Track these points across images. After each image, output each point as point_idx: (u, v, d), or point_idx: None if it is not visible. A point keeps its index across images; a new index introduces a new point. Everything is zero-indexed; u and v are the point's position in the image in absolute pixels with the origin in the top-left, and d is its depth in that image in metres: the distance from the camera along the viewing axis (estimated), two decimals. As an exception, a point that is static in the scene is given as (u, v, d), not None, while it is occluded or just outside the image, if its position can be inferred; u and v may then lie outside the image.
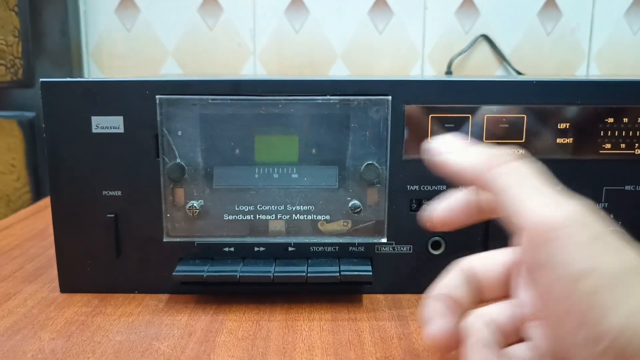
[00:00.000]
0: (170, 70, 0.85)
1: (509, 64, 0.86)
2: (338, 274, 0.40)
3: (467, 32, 0.85)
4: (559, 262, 0.22)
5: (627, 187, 0.42)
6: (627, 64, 0.87)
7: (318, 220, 0.42)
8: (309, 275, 0.40)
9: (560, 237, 0.22)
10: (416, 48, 0.86)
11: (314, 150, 0.41)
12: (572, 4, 0.84)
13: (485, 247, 0.42)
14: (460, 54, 0.85)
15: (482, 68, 0.86)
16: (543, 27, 0.85)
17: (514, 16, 0.85)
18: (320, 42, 0.85)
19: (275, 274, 0.40)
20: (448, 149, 0.28)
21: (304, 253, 0.42)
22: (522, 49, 0.86)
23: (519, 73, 0.86)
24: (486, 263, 0.30)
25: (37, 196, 0.82)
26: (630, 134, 0.41)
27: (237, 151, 0.41)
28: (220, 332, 0.37)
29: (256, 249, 0.42)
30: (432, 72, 0.86)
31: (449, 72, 0.84)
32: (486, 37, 0.85)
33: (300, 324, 0.38)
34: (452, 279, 0.29)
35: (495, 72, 0.87)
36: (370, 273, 0.40)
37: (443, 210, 0.29)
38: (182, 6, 0.84)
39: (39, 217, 0.64)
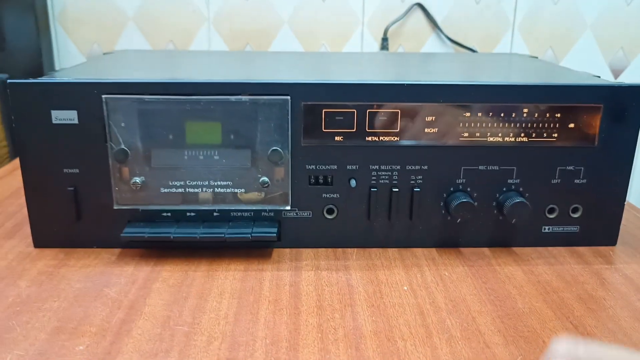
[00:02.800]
0: (131, 35, 0.93)
1: (441, 31, 0.95)
2: (249, 235, 0.51)
3: (403, 1, 0.94)
4: None
5: (480, 167, 0.53)
6: (548, 33, 0.96)
7: (237, 192, 0.53)
8: (227, 236, 0.51)
9: None
10: (356, 15, 0.94)
11: (232, 136, 0.51)
12: (497, -23, 0.92)
13: (368, 215, 0.53)
14: (395, 21, 0.93)
15: (416, 35, 0.95)
16: (472, -4, 0.94)
17: (447, -14, 0.93)
18: (268, 10, 0.93)
19: (200, 235, 0.51)
20: None
21: (226, 217, 0.54)
22: (453, 17, 0.95)
23: (450, 39, 0.95)
24: None
25: (14, 151, 0.92)
26: (483, 125, 0.52)
27: (170, 137, 0.51)
28: (157, 280, 0.49)
29: (188, 214, 0.53)
30: (370, 38, 0.95)
31: (384, 39, 0.93)
32: (420, 6, 0.94)
33: (219, 274, 0.50)
34: None
35: (428, 39, 0.96)
36: (275, 234, 0.51)
37: None
38: (140, -24, 0.91)
39: (16, 175, 0.74)
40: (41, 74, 0.89)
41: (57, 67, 0.95)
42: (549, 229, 0.55)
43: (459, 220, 0.53)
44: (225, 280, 0.49)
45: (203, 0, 0.93)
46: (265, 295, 0.47)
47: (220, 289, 0.47)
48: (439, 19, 0.95)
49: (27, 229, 0.56)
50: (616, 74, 0.99)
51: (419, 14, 0.95)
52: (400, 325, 0.43)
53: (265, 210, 0.54)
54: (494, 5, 0.95)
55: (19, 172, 0.75)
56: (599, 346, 0.28)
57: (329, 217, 0.54)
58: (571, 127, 0.52)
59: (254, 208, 0.53)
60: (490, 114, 0.51)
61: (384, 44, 0.94)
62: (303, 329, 0.42)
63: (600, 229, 0.55)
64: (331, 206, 0.54)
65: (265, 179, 0.52)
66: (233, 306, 0.45)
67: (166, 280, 0.49)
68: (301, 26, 0.94)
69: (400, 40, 0.96)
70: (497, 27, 0.96)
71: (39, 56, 0.90)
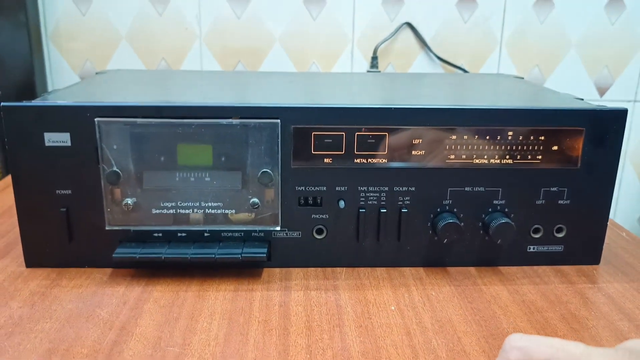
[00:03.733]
0: (124, 52, 0.94)
1: (430, 50, 0.97)
2: (239, 256, 0.52)
3: (393, 20, 0.95)
4: None
5: (467, 188, 0.54)
6: (535, 51, 0.98)
7: (228, 213, 0.54)
8: (217, 256, 0.52)
9: None
10: (346, 34, 0.96)
11: (223, 159, 0.52)
12: (485, -3, 0.94)
13: (357, 235, 0.54)
14: (384, 40, 0.95)
15: (406, 53, 0.97)
16: (460, 15, 0.96)
17: (435, 5, 0.95)
18: (259, 28, 0.94)
19: (191, 256, 0.52)
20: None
21: (216, 238, 0.54)
22: (441, 35, 0.97)
23: (438, 58, 0.97)
24: None
25: (5, 168, 0.92)
26: (469, 148, 0.53)
27: (162, 159, 0.52)
28: (148, 300, 0.49)
29: (179, 234, 0.54)
30: (360, 56, 0.96)
31: (374, 57, 0.95)
32: (409, 25, 0.96)
33: (210, 294, 0.51)
34: None
35: (417, 57, 0.98)
36: (264, 255, 0.52)
37: None
38: (132, -6, 0.92)
39: (7, 192, 0.75)
40: (33, 92, 0.90)
41: (49, 85, 0.96)
42: (534, 248, 0.56)
43: (446, 240, 0.54)
44: (216, 300, 0.50)
45: (195, 18, 0.94)
46: (255, 316, 0.47)
47: (211, 310, 0.48)
48: (427, 38, 0.96)
49: (19, 249, 0.57)
50: (602, 91, 1.01)
51: (408, 32, 0.96)
52: (387, 346, 0.43)
53: (255, 231, 0.54)
54: (482, 24, 0.96)
55: (11, 190, 0.75)
56: (553, 341, 0.31)
57: (319, 237, 0.55)
58: (555, 150, 0.53)
59: (245, 228, 0.54)
60: (476, 136, 0.52)
61: (374, 62, 0.95)
62: (292, 350, 0.43)
63: (583, 248, 0.56)
64: (320, 226, 0.55)
65: (256, 200, 0.53)
66: (223, 327, 0.46)
67: (157, 301, 0.49)
68: (292, 44, 0.96)
69: (390, 58, 0.97)
70: (484, 46, 0.97)
71: (32, 74, 0.91)
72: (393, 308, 0.49)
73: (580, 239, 0.56)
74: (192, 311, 0.48)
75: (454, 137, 0.52)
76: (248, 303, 0.49)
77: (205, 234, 0.54)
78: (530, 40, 0.98)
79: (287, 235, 0.55)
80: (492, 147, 0.53)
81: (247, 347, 0.43)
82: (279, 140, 0.52)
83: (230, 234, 0.54)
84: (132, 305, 0.49)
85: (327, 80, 0.72)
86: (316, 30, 0.95)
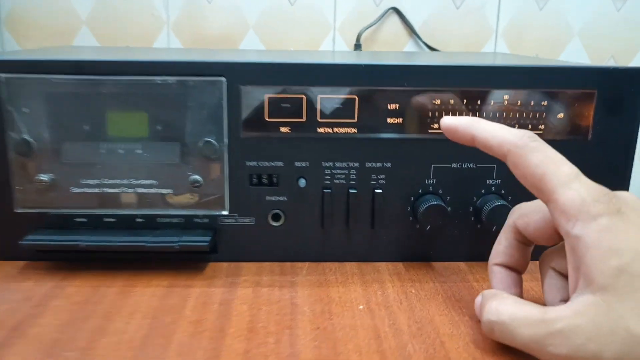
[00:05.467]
0: (84, 39, 0.86)
1: (419, 38, 0.88)
2: (176, 244, 0.42)
3: (378, 5, 0.87)
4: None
5: (454, 165, 0.45)
6: (534, 41, 0.89)
7: (166, 194, 0.44)
8: (148, 244, 0.42)
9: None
10: (327, 20, 0.87)
11: (159, 127, 0.43)
12: (479, -20, 0.86)
13: (322, 222, 0.45)
14: (369, 26, 0.86)
15: (392, 41, 0.88)
16: (452, 1, 0.87)
17: (425, -10, 0.87)
18: (232, 14, 0.86)
19: (117, 244, 0.43)
20: (477, 125, 0.34)
21: (152, 224, 0.45)
22: (431, 22, 0.88)
23: (429, 47, 0.88)
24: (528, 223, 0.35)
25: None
26: (457, 115, 0.44)
27: (86, 127, 0.43)
28: (58, 297, 0.40)
29: (106, 220, 0.45)
30: (343, 44, 0.88)
31: (358, 45, 0.86)
32: (396, 10, 0.87)
33: (137, 290, 0.41)
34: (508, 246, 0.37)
35: (405, 46, 0.89)
36: (207, 243, 0.43)
37: None
38: (93, -25, 0.84)
39: None
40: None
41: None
42: (536, 239, 0.46)
43: (429, 227, 0.45)
44: (142, 297, 0.40)
45: (162, 3, 0.85)
46: (186, 315, 0.38)
47: (134, 308, 0.39)
48: (416, 25, 0.88)
49: None
50: (607, 85, 0.92)
51: (394, 19, 0.88)
52: (349, 351, 0.34)
53: (198, 216, 0.45)
54: (476, 11, 0.88)
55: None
56: None
57: (275, 224, 0.45)
58: (560, 118, 0.44)
59: (185, 213, 0.45)
60: (465, 100, 0.43)
61: (357, 50, 0.86)
62: (224, 355, 0.33)
63: (596, 240, 0.47)
64: (277, 211, 0.45)
65: (197, 177, 0.44)
66: (143, 328, 0.36)
67: (69, 297, 0.40)
68: (268, 31, 0.87)
69: (375, 46, 0.89)
70: (479, 34, 0.89)
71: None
72: (361, 307, 0.39)
73: (592, 228, 0.46)
74: (108, 309, 0.38)
75: (438, 101, 0.43)
76: (181, 301, 0.40)
77: (138, 219, 0.45)
78: (529, 28, 0.89)
79: (236, 221, 0.45)
80: (484, 114, 0.44)
81: (168, 352, 0.33)
82: (225, 103, 0.42)
83: (168, 220, 0.45)
84: (36, 302, 0.39)
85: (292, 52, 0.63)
86: (294, 15, 0.87)
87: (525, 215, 0.36)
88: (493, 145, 0.34)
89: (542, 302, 0.33)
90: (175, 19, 0.86)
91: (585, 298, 0.29)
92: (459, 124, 0.35)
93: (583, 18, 0.89)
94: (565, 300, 0.32)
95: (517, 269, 0.37)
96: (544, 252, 0.36)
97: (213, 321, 0.37)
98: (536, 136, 0.33)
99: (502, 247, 0.37)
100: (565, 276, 0.33)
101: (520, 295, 0.36)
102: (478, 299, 0.36)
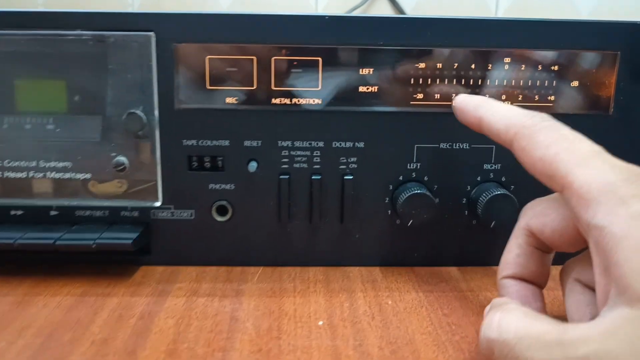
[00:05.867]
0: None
1: (411, 22, 0.80)
2: (93, 242, 0.34)
3: (366, -14, 0.79)
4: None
5: (442, 145, 0.36)
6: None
7: (86, 180, 0.36)
8: (58, 242, 0.34)
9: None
10: (309, 2, 0.79)
11: (76, 97, 0.34)
12: (476, -42, 0.78)
13: (279, 215, 0.36)
14: (354, 8, 0.78)
15: (381, 26, 0.80)
16: (447, -18, 0.79)
17: (417, -30, 0.79)
18: (204, -6, 0.78)
19: (19, 241, 0.34)
20: (486, 105, 0.28)
21: (69, 218, 0.36)
22: (424, 6, 0.80)
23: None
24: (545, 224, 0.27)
25: None
26: (447, 82, 0.35)
27: (-15, 97, 0.34)
28: None
29: (12, 212, 0.36)
30: (326, 29, 0.80)
31: (342, 30, 0.78)
32: (386, -8, 0.79)
33: (39, 300, 0.32)
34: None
35: (395, 31, 0.81)
36: (130, 241, 0.34)
37: None
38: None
39: None
40: None
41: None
42: (544, 239, 0.38)
43: (412, 222, 0.36)
44: (43, 309, 0.31)
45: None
46: (92, 333, 0.29)
47: (27, 322, 0.30)
48: (407, 8, 0.80)
49: None
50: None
51: (383, 1, 0.80)
52: (294, 383, 0.25)
53: (125, 208, 0.36)
54: (473, -7, 0.80)
55: None
56: None
57: (221, 219, 0.37)
58: (575, 87, 0.35)
59: (110, 204, 0.36)
60: (456, 64, 0.35)
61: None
62: (123, 390, 0.24)
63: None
64: (223, 202, 0.36)
65: (122, 158, 0.35)
66: (31, 348, 0.27)
67: (-52, 310, 0.31)
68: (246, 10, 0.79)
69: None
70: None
71: None
72: (321, 323, 0.30)
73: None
74: (-8, 324, 0.29)
75: (422, 65, 0.35)
76: (90, 314, 0.31)
77: (52, 212, 0.36)
78: (531, 13, 0.81)
79: (172, 215, 0.36)
80: (480, 82, 0.35)
81: (47, 384, 0.24)
82: (154, 65, 0.34)
83: (89, 213, 0.36)
84: None
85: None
86: (273, -3, 0.79)
87: (540, 214, 0.27)
88: (500, 129, 0.26)
89: (565, 318, 0.24)
90: (141, 3, 0.78)
91: (618, 312, 0.20)
92: (468, 103, 0.29)
93: (591, 1, 0.81)
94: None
95: (534, 283, 0.28)
96: (567, 261, 0.28)
97: (124, 340, 0.28)
98: (550, 117, 0.25)
99: (513, 255, 0.28)
100: (594, 289, 0.24)
101: (543, 311, 0.27)
102: (487, 310, 0.26)
